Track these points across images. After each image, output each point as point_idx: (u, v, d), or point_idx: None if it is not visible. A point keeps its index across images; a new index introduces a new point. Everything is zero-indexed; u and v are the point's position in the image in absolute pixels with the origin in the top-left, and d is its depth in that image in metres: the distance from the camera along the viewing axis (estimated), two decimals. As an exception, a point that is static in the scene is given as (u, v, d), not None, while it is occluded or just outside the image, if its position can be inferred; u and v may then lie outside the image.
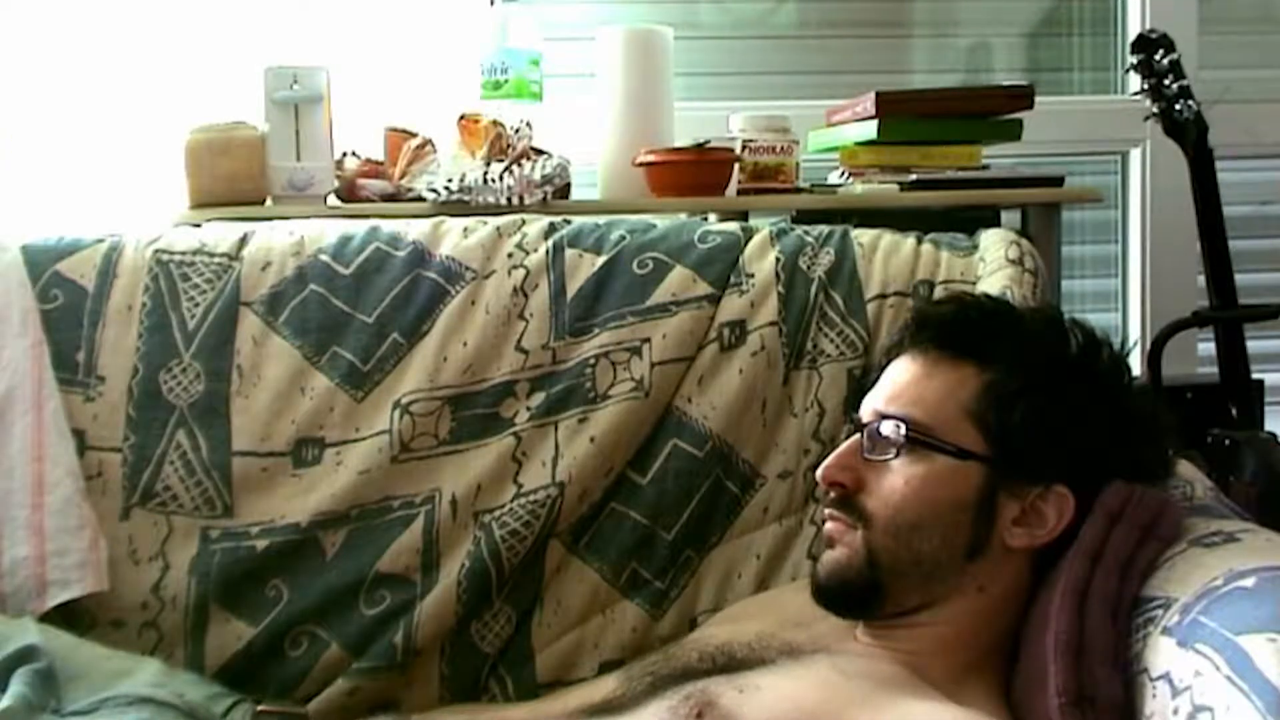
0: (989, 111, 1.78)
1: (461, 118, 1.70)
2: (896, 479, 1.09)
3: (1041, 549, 1.09)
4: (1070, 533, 1.08)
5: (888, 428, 1.11)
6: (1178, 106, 1.85)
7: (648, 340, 1.42)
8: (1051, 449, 1.09)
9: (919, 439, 1.09)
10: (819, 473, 1.14)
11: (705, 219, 1.71)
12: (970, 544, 1.08)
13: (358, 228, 1.50)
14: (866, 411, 1.15)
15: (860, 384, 1.38)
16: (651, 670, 1.16)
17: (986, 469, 1.08)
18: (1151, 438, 1.16)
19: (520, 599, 1.37)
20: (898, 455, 1.10)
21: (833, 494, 1.13)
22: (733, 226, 1.52)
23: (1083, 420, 1.10)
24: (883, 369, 1.20)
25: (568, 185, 1.69)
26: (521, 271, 1.45)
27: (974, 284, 1.44)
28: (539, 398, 1.41)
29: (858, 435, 1.13)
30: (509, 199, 1.61)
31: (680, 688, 1.08)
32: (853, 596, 1.11)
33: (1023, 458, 1.09)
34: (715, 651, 1.14)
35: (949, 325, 1.17)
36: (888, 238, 1.50)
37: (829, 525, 1.14)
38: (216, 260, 1.45)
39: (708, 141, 1.73)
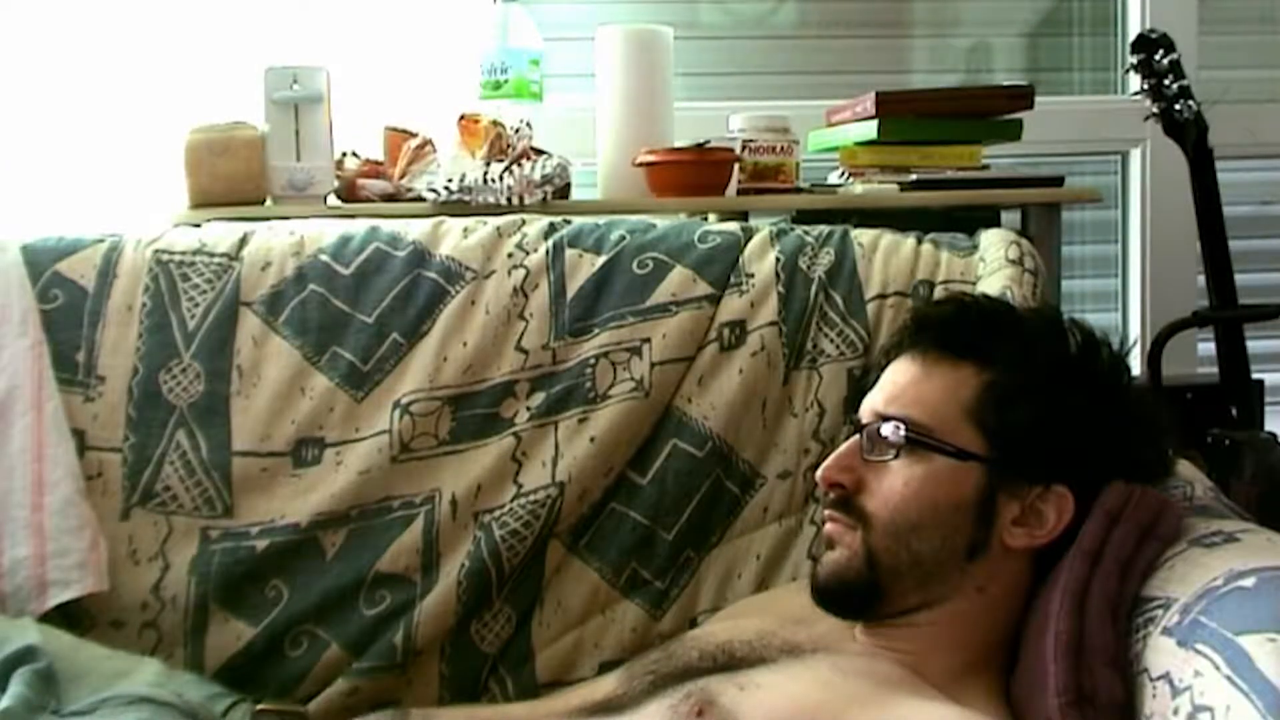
0: (989, 111, 1.78)
1: (461, 118, 1.69)
2: (896, 480, 1.09)
3: (1041, 549, 1.09)
4: (1070, 533, 1.08)
5: (887, 429, 1.11)
6: (1178, 106, 1.85)
7: (648, 340, 1.42)
8: (1051, 449, 1.09)
9: (919, 440, 1.09)
10: (818, 474, 1.14)
11: (705, 219, 1.71)
12: (970, 544, 1.08)
13: (358, 228, 1.50)
14: (866, 412, 1.15)
15: (860, 384, 1.38)
16: (652, 669, 1.16)
17: (986, 469, 1.08)
18: (1151, 438, 1.16)
19: (520, 599, 1.37)
20: (897, 456, 1.10)
21: (832, 495, 1.13)
22: (733, 226, 1.52)
23: (1082, 420, 1.10)
24: (882, 369, 1.19)
25: (568, 185, 1.69)
26: (521, 271, 1.45)
27: (974, 284, 1.44)
28: (539, 398, 1.41)
29: (857, 436, 1.13)
30: (509, 199, 1.61)
31: (681, 686, 1.08)
32: (852, 597, 1.11)
33: (1023, 458, 1.09)
34: (716, 650, 1.14)
35: (948, 326, 1.17)
36: (888, 238, 1.50)
37: (828, 526, 1.13)
38: (216, 260, 1.45)
39: (708, 141, 1.73)
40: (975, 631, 1.09)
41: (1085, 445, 1.10)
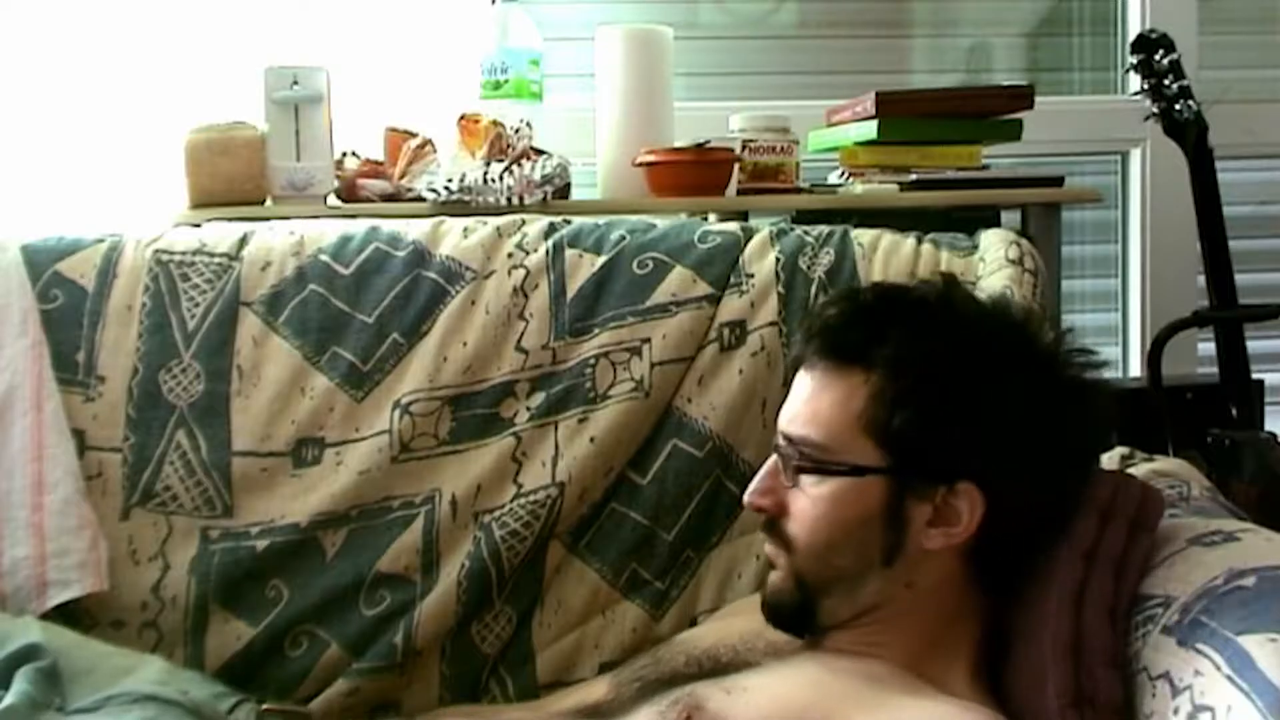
0: (989, 111, 1.78)
1: (461, 118, 1.70)
2: (805, 502, 1.07)
3: (967, 543, 1.06)
4: (990, 524, 1.04)
5: (789, 451, 1.08)
6: (1178, 106, 1.85)
7: (648, 340, 1.42)
8: (948, 446, 1.05)
9: (814, 464, 1.07)
10: (744, 498, 1.12)
11: (705, 219, 1.71)
12: (885, 553, 1.06)
13: (358, 228, 1.50)
14: (777, 431, 1.12)
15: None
16: (640, 675, 1.16)
17: (888, 480, 1.05)
18: (1061, 411, 1.08)
19: (520, 599, 1.37)
20: (804, 477, 1.07)
21: (761, 518, 1.12)
22: (733, 226, 1.52)
23: (973, 410, 1.05)
24: (788, 383, 1.15)
25: (568, 185, 1.69)
26: (521, 271, 1.45)
27: (974, 284, 1.44)
28: (539, 398, 1.41)
29: (774, 457, 1.11)
30: (509, 199, 1.61)
31: (668, 692, 1.08)
32: (791, 618, 1.10)
33: (921, 461, 1.05)
34: (702, 655, 1.14)
35: (833, 332, 1.10)
36: (888, 238, 1.50)
37: (766, 548, 1.12)
38: (216, 260, 1.45)
39: (708, 141, 1.73)
40: (921, 620, 1.07)
41: (982, 434, 1.05)
